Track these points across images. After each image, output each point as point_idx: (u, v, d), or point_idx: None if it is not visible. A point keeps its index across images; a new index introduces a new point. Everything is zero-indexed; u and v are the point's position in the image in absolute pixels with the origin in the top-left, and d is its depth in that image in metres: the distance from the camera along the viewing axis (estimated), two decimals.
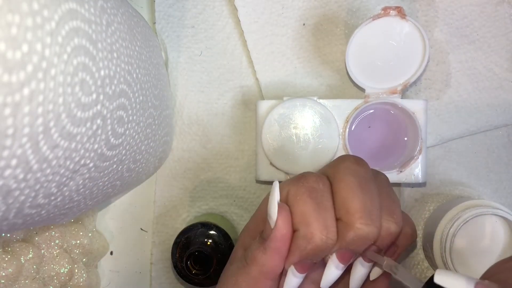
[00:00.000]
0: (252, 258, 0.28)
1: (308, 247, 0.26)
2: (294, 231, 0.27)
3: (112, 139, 0.28)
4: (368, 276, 0.30)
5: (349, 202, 0.26)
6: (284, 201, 0.28)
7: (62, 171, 0.23)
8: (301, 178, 0.28)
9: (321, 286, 0.28)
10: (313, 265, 0.28)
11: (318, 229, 0.26)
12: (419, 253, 0.43)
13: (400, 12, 0.38)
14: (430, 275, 0.43)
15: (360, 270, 0.29)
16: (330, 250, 0.27)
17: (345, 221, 0.26)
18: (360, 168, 0.28)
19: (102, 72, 0.24)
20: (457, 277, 0.22)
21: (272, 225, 0.27)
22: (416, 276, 0.43)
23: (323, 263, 0.28)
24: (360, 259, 0.28)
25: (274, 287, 0.29)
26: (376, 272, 0.30)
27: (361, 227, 0.25)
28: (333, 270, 0.27)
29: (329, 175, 0.28)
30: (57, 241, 0.40)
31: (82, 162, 0.25)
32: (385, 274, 0.31)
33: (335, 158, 0.39)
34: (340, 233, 0.26)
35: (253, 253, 0.28)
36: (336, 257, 0.27)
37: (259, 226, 0.29)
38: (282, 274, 0.29)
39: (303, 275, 0.28)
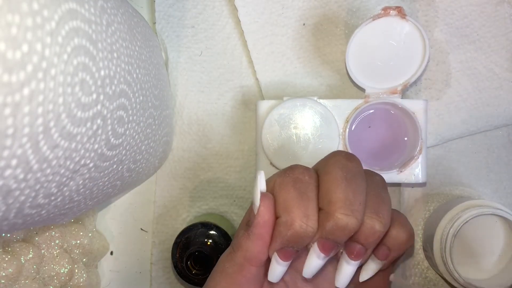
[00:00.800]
0: (238, 245, 0.28)
1: (288, 234, 0.26)
2: (276, 218, 0.27)
3: (112, 139, 0.28)
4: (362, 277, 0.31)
5: (331, 192, 0.26)
6: (271, 191, 0.28)
7: (62, 171, 0.23)
8: (288, 169, 0.28)
9: (303, 274, 0.29)
10: (296, 253, 0.28)
11: (298, 216, 0.26)
12: (419, 253, 0.43)
13: (400, 12, 0.38)
14: (430, 275, 0.43)
15: (346, 268, 0.29)
16: (311, 239, 0.27)
17: (326, 210, 0.26)
18: (350, 163, 0.28)
19: (102, 72, 0.24)
20: None
21: (256, 212, 0.27)
22: (416, 276, 0.43)
23: (307, 254, 0.28)
24: (346, 256, 0.29)
25: (259, 275, 0.29)
26: (366, 274, 0.30)
27: (341, 217, 0.26)
28: (314, 259, 0.28)
29: (318, 168, 0.29)
30: (57, 241, 0.40)
31: (82, 162, 0.25)
32: (383, 276, 0.31)
33: None
34: (321, 222, 0.27)
35: (239, 239, 0.28)
36: (317, 246, 0.27)
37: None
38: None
39: (287, 263, 0.28)
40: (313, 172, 0.29)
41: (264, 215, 0.27)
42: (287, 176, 0.28)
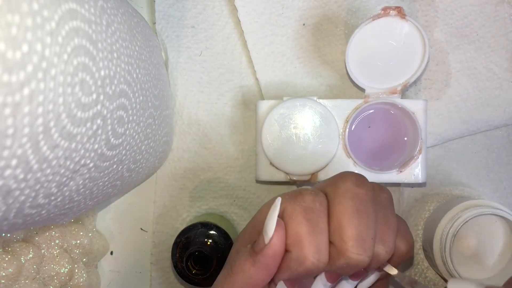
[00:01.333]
0: (240, 268, 0.28)
1: (299, 269, 0.26)
2: (286, 250, 0.27)
3: (112, 139, 0.28)
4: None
5: (344, 228, 0.26)
6: (280, 217, 0.27)
7: (62, 171, 0.23)
8: (298, 195, 0.27)
9: None
10: (302, 281, 0.28)
11: (310, 253, 0.26)
12: (419, 253, 0.43)
13: (400, 12, 0.38)
14: (430, 275, 0.44)
15: (345, 286, 0.29)
16: (320, 271, 0.27)
17: (338, 246, 0.26)
18: (360, 191, 0.27)
19: (102, 72, 0.24)
20: (468, 283, 0.24)
21: (267, 241, 0.26)
22: (416, 276, 0.43)
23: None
24: (347, 278, 0.29)
25: None
26: (364, 285, 0.30)
27: (353, 256, 0.25)
28: (320, 287, 0.28)
29: (328, 193, 0.28)
30: (57, 241, 0.40)
31: (82, 162, 0.25)
32: (382, 285, 0.31)
33: (334, 158, 0.40)
34: (332, 257, 0.26)
35: (241, 262, 0.28)
36: (325, 276, 0.28)
37: (253, 237, 0.29)
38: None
39: None
40: (323, 197, 0.27)
41: (275, 247, 0.26)
42: (297, 205, 0.27)
